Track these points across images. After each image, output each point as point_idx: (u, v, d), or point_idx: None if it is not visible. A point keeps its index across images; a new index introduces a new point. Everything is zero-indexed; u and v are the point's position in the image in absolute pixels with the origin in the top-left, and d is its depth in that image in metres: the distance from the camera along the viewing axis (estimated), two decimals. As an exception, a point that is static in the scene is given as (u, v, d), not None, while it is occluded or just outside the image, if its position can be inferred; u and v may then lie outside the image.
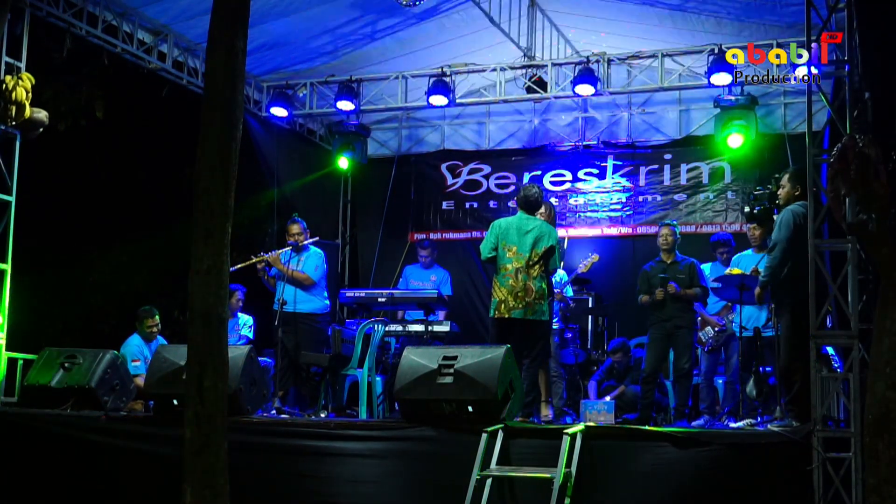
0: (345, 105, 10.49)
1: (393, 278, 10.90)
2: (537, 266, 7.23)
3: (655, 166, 10.97)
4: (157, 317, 9.00)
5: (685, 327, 7.98)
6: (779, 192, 6.85)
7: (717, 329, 8.36)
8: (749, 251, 8.33)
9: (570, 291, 9.23)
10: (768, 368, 7.67)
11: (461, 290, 11.01)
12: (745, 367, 7.71)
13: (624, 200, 11.06)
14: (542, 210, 7.75)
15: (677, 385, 8.14)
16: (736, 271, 7.99)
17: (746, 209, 7.67)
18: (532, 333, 7.28)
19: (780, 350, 6.69)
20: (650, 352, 8.08)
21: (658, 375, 8.12)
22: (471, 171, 11.67)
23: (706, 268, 8.69)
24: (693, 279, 8.09)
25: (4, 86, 7.75)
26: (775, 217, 6.88)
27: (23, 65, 8.10)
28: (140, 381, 8.22)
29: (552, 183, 11.29)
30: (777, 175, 7.18)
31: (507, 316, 7.22)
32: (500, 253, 7.31)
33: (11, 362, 8.05)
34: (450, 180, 11.75)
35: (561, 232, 8.31)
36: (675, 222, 8.70)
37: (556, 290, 8.19)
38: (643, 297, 8.16)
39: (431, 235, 11.47)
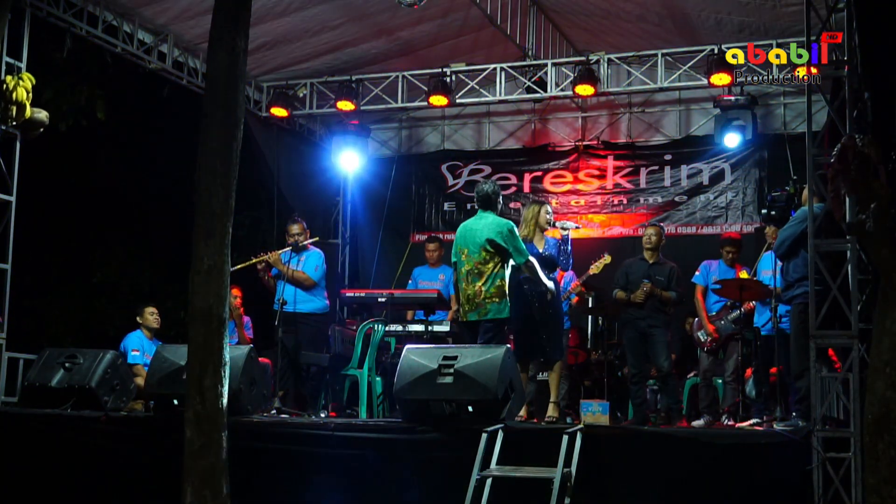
0: (345, 105, 10.48)
1: (394, 278, 10.89)
2: (490, 263, 6.96)
3: (656, 167, 10.97)
4: (156, 311, 9.01)
5: (659, 326, 7.96)
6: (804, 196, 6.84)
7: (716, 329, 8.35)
8: (771, 253, 8.28)
9: None
10: (769, 369, 7.68)
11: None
12: (744, 367, 7.70)
13: (626, 202, 11.06)
14: (533, 211, 7.47)
15: (663, 385, 8.12)
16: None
17: (763, 211, 7.66)
18: (486, 333, 7.00)
19: (790, 350, 6.69)
20: (630, 352, 8.08)
21: (645, 375, 8.12)
22: (471, 172, 11.65)
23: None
24: (671, 283, 8.07)
25: (5, 86, 7.75)
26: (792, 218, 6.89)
27: (23, 65, 8.10)
28: (138, 370, 8.26)
29: (552, 184, 11.29)
30: (795, 177, 7.18)
31: (465, 320, 7.09)
32: (458, 259, 7.13)
33: (11, 362, 8.04)
34: (451, 181, 11.74)
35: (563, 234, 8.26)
36: (661, 224, 8.70)
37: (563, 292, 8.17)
38: (619, 292, 8.13)
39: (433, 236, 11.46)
